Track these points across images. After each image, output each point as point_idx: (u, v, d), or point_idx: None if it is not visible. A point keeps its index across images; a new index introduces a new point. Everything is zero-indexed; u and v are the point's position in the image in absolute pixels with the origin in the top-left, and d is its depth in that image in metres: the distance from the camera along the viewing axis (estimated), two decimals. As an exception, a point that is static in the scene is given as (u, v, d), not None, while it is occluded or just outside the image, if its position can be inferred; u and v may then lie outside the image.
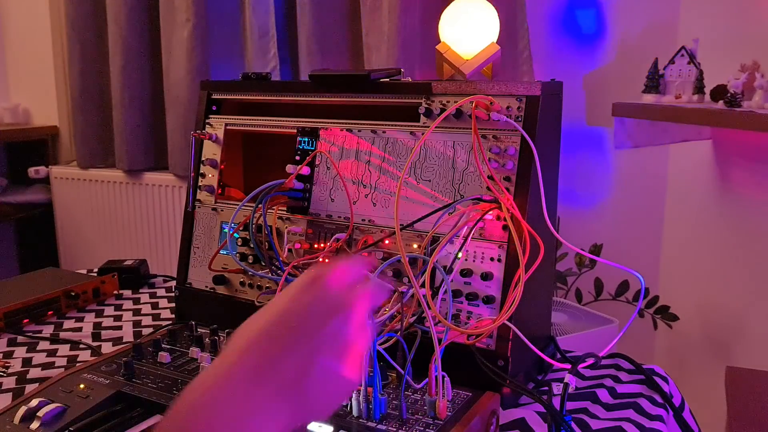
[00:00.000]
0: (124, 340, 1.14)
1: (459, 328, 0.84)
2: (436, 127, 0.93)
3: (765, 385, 1.40)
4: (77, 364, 0.99)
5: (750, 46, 1.81)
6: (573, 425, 0.80)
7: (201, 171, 1.14)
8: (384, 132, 0.98)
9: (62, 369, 1.02)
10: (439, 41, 1.08)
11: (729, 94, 1.62)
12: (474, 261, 0.89)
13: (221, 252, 1.08)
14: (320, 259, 0.98)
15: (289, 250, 1.01)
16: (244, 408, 0.48)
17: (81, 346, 1.11)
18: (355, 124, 1.01)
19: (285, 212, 1.05)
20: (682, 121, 1.81)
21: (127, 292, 1.39)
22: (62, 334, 1.16)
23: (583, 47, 2.21)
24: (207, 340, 0.96)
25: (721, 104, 1.65)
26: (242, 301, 1.06)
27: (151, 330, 1.17)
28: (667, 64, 1.86)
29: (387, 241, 0.95)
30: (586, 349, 1.01)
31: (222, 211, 1.11)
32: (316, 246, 1.01)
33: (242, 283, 1.07)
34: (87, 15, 2.53)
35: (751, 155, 1.89)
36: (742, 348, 1.95)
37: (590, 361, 0.95)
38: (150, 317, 1.26)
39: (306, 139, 1.04)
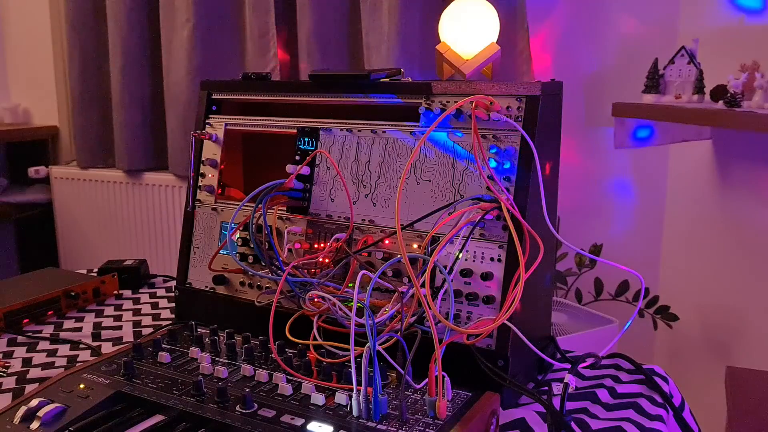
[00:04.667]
0: (124, 340, 1.14)
1: (459, 328, 0.84)
2: (436, 127, 0.93)
3: (765, 385, 1.40)
4: (77, 364, 0.99)
5: (750, 46, 1.81)
6: (573, 425, 0.80)
7: (201, 171, 1.14)
8: (384, 132, 0.98)
9: (62, 369, 1.02)
10: (439, 41, 1.08)
11: (729, 94, 1.62)
12: (474, 261, 0.89)
13: (221, 252, 1.08)
14: (320, 259, 0.98)
15: (289, 250, 1.01)
16: None
17: (81, 346, 1.11)
18: (355, 124, 1.01)
19: (285, 212, 1.05)
20: (682, 121, 1.81)
21: (127, 292, 1.39)
22: (62, 334, 1.16)
23: (583, 47, 2.21)
24: (207, 340, 0.96)
25: (721, 104, 1.65)
26: (242, 301, 1.06)
27: (151, 330, 1.17)
28: (667, 64, 1.86)
29: (387, 241, 0.95)
30: (586, 349, 1.01)
31: (222, 211, 1.11)
32: (316, 246, 1.01)
33: (242, 283, 1.07)
34: (87, 15, 2.53)
35: (751, 155, 1.89)
36: (742, 348, 1.95)
37: (590, 361, 0.95)
38: (150, 317, 1.26)
39: (306, 139, 1.04)
